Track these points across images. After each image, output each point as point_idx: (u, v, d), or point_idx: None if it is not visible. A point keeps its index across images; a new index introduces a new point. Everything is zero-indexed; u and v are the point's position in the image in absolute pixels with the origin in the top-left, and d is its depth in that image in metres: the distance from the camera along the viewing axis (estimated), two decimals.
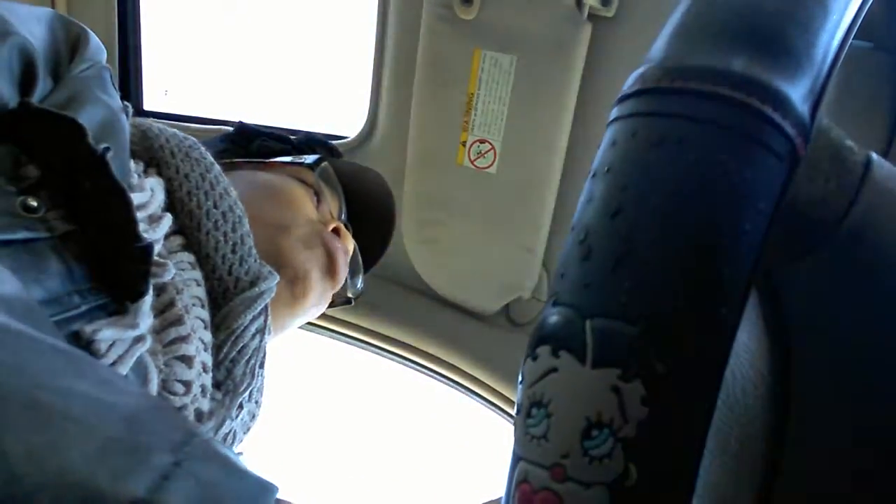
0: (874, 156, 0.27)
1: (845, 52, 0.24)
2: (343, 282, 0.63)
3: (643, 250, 0.22)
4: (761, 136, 0.22)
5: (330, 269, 0.60)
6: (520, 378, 0.25)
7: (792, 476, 0.32)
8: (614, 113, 0.25)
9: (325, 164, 0.68)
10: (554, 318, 0.23)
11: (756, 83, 0.22)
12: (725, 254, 0.21)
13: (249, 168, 0.65)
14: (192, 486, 0.24)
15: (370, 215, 0.75)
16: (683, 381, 0.21)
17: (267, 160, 0.67)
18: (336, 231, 0.64)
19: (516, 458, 0.24)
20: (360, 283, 0.74)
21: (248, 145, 0.72)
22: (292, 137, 0.75)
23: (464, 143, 0.94)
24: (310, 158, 0.67)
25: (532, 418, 0.23)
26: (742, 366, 0.32)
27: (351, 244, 0.66)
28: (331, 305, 0.69)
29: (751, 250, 0.22)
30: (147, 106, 1.28)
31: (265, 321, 0.52)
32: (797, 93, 0.22)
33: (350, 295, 0.74)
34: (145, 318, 0.38)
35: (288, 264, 0.56)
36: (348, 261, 0.65)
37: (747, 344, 0.31)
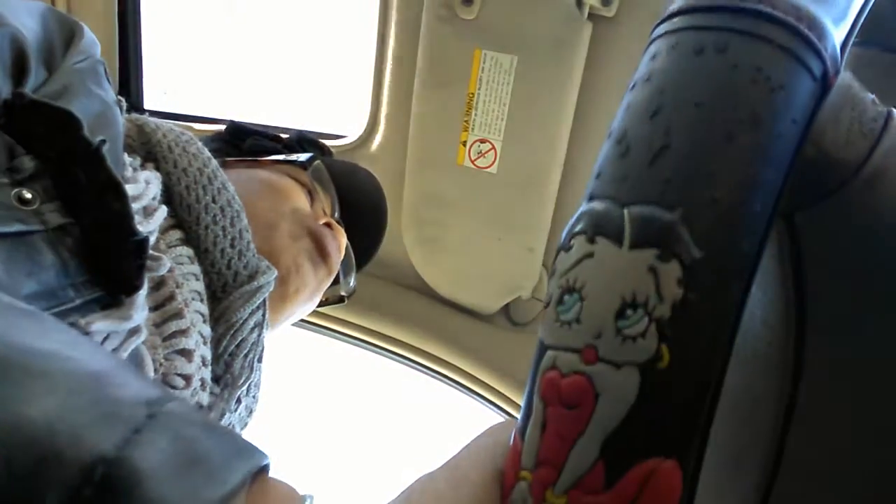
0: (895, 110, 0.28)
1: (871, 4, 0.25)
2: (337, 266, 0.63)
3: (682, 144, 0.22)
4: (799, 53, 0.22)
5: (321, 255, 0.60)
6: (551, 272, 0.25)
7: (805, 430, 0.32)
8: (654, 34, 0.25)
9: (317, 162, 0.68)
10: (589, 210, 0.24)
11: (797, 5, 0.23)
12: (762, 153, 0.22)
13: (242, 166, 0.65)
14: (167, 441, 0.21)
15: (362, 214, 0.75)
16: (719, 266, 0.21)
17: (260, 158, 0.67)
18: (328, 226, 0.64)
19: (543, 349, 0.24)
20: (352, 282, 0.74)
21: (240, 144, 0.72)
22: (284, 136, 0.75)
23: (464, 143, 0.94)
24: (303, 157, 0.67)
25: (563, 304, 0.23)
26: (755, 325, 0.32)
27: (343, 239, 0.66)
28: (323, 304, 0.69)
29: (784, 157, 0.22)
30: (148, 105, 1.28)
31: (263, 315, 0.52)
32: (832, 24, 0.23)
33: (343, 293, 0.74)
34: (140, 310, 0.38)
35: (280, 259, 0.56)
36: (341, 252, 0.65)
37: (761, 299, 0.32)
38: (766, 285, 0.31)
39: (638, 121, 0.24)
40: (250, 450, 0.24)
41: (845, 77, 0.26)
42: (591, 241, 0.23)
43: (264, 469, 0.24)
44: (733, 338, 0.22)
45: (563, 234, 0.25)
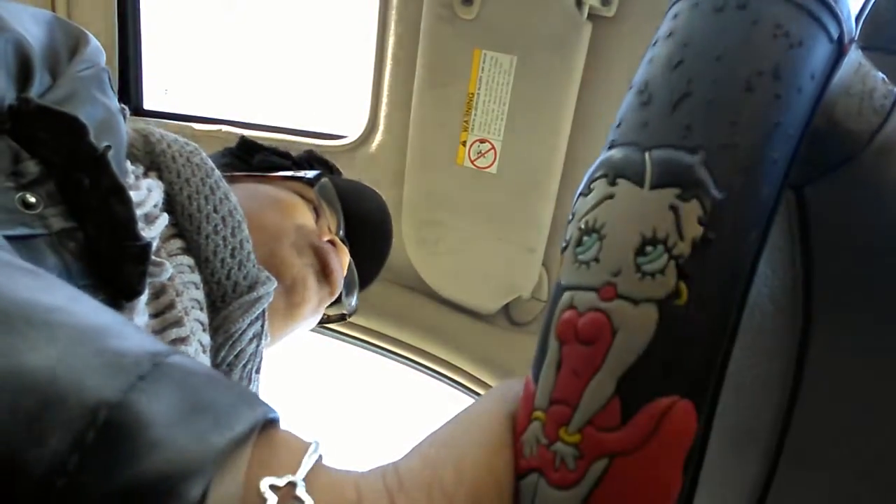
0: None
1: None
2: (340, 287, 0.63)
3: (703, 92, 0.22)
4: (817, 13, 0.23)
5: (324, 273, 0.60)
6: (569, 216, 0.25)
7: (810, 411, 0.32)
8: None
9: (324, 179, 0.68)
10: (609, 157, 0.24)
11: None
12: (782, 104, 0.22)
13: (250, 181, 0.65)
14: (172, 388, 0.21)
15: (367, 233, 0.75)
16: (738, 210, 0.21)
17: (268, 174, 0.68)
18: (332, 244, 0.64)
19: (560, 290, 0.24)
20: (354, 301, 0.74)
21: (249, 159, 0.73)
22: (293, 154, 0.76)
23: (464, 143, 0.94)
24: (310, 174, 0.67)
25: (582, 245, 0.24)
26: (762, 302, 0.32)
27: (346, 258, 0.67)
28: (325, 322, 0.69)
29: (802, 111, 0.23)
30: (147, 105, 1.28)
31: (262, 326, 0.52)
32: None
33: (344, 311, 0.74)
34: (140, 315, 0.38)
35: (284, 272, 0.56)
36: (343, 270, 0.65)
37: (769, 277, 0.32)
38: (774, 263, 0.31)
39: (660, 72, 0.24)
40: (258, 401, 0.23)
41: (856, 54, 0.27)
42: (612, 183, 0.23)
43: (273, 422, 0.24)
44: (749, 284, 0.22)
45: (582, 183, 0.25)
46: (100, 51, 0.46)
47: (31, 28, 0.40)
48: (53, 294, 0.22)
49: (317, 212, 0.66)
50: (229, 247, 0.50)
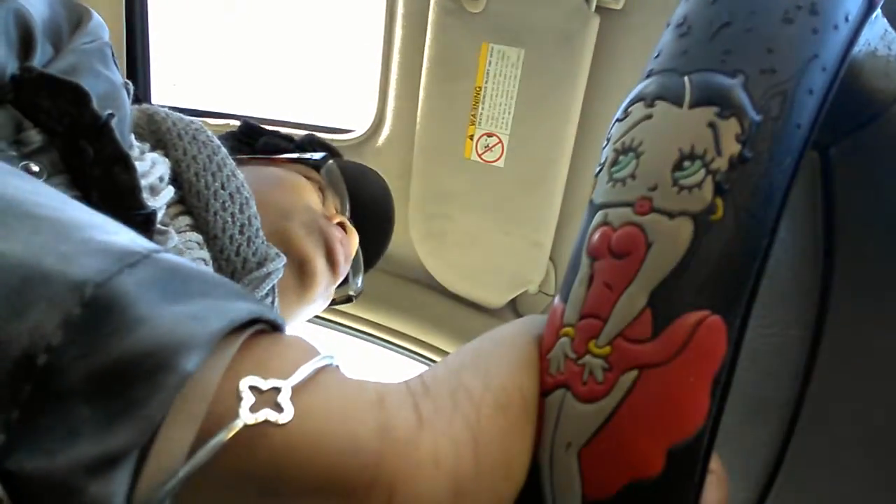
0: None
1: None
2: (345, 273, 0.63)
3: (743, 21, 0.23)
4: None
5: (329, 260, 0.60)
6: (604, 142, 0.25)
7: (827, 380, 0.32)
8: None
9: (330, 162, 0.68)
10: (648, 83, 0.24)
11: None
12: (819, 38, 0.22)
13: (255, 164, 0.65)
14: (164, 273, 0.19)
15: (371, 216, 0.76)
16: (775, 132, 0.22)
17: (273, 157, 0.68)
18: (341, 226, 0.64)
19: (593, 210, 0.24)
20: (360, 282, 0.75)
21: (253, 143, 0.73)
22: (296, 137, 0.76)
23: (471, 137, 0.94)
24: (316, 156, 0.67)
25: (617, 164, 0.24)
26: (781, 269, 0.32)
27: (355, 239, 0.67)
28: (332, 304, 0.69)
29: (836, 49, 0.23)
30: (155, 100, 1.29)
31: (273, 302, 0.52)
32: None
33: (351, 293, 0.74)
34: None
35: (293, 249, 0.56)
36: (351, 255, 0.65)
37: (787, 242, 0.32)
38: (794, 228, 0.32)
39: (699, 5, 0.24)
40: (259, 302, 0.22)
41: (883, 22, 0.27)
42: (650, 105, 0.24)
43: (278, 328, 0.23)
44: (782, 211, 0.22)
45: (619, 109, 0.25)
46: (102, 26, 0.46)
47: (34, 1, 0.40)
48: (44, 194, 0.21)
49: (322, 194, 0.66)
50: (238, 223, 0.50)
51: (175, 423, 0.18)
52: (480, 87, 0.91)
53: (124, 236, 0.21)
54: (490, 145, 0.93)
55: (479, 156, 0.95)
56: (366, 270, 0.77)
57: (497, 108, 0.91)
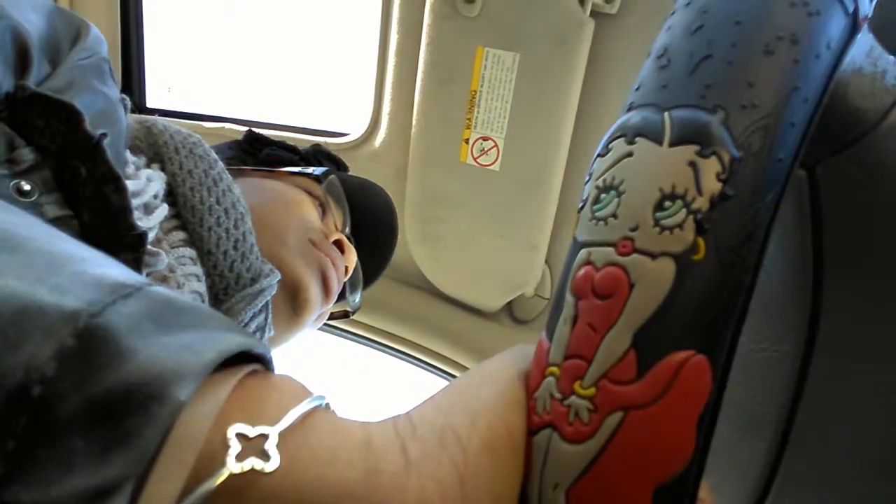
0: None
1: None
2: (334, 299, 0.63)
3: (723, 54, 0.23)
4: None
5: (323, 286, 0.59)
6: (587, 177, 0.25)
7: (818, 390, 0.32)
8: None
9: (332, 176, 0.68)
10: (629, 118, 0.24)
11: None
12: (800, 69, 0.22)
13: (257, 175, 0.65)
14: (157, 305, 0.19)
15: (373, 232, 0.75)
16: (756, 169, 0.22)
17: (275, 169, 0.67)
18: (339, 243, 0.63)
19: (577, 248, 0.24)
20: (358, 298, 0.74)
21: (256, 154, 0.72)
22: (301, 149, 0.75)
23: (467, 141, 0.94)
24: (318, 170, 0.66)
25: (600, 203, 0.24)
26: (771, 285, 0.32)
27: (353, 258, 0.66)
28: (329, 318, 0.69)
29: (819, 78, 0.23)
30: (150, 103, 1.29)
31: (266, 318, 0.52)
32: None
33: (348, 309, 0.73)
34: None
35: (287, 274, 0.55)
36: (344, 277, 0.64)
37: (777, 258, 0.32)
38: (783, 244, 0.32)
39: (679, 37, 0.24)
40: (249, 335, 0.22)
41: (868, 37, 0.27)
42: (631, 142, 0.24)
43: (268, 366, 0.23)
44: (765, 248, 0.22)
45: (600, 144, 0.25)
46: (101, 40, 0.45)
47: (31, 16, 0.40)
48: (36, 228, 0.21)
49: (323, 209, 0.65)
50: (232, 239, 0.50)
51: (165, 469, 0.18)
52: (476, 91, 0.91)
53: (117, 270, 0.21)
54: (486, 149, 0.94)
55: (475, 159, 0.95)
56: (365, 287, 0.76)
57: (492, 111, 0.91)
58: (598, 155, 0.25)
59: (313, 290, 0.57)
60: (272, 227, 0.57)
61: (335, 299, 0.62)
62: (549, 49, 0.85)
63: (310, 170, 0.66)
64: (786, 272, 0.32)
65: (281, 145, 0.73)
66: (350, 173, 0.79)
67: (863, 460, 0.32)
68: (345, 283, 0.68)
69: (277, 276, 0.52)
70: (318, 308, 0.60)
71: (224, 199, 0.50)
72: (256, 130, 0.76)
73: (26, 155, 0.35)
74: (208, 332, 0.20)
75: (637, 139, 0.23)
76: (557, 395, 0.23)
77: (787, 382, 0.32)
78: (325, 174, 0.66)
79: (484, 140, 0.93)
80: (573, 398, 0.22)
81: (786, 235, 0.31)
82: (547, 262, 1.01)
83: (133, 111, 0.52)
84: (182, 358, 0.18)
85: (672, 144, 0.22)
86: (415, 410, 0.25)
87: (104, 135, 0.37)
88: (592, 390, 0.22)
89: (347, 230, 0.70)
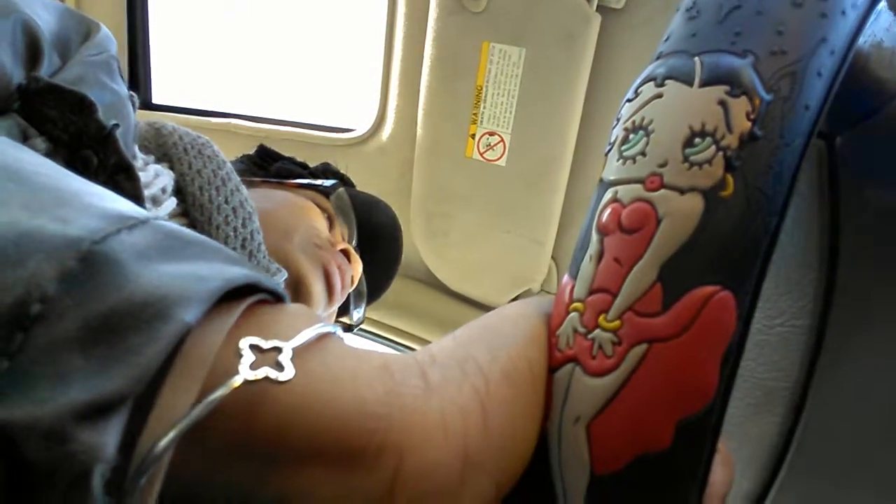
0: None
1: None
2: (342, 299, 0.63)
3: (753, 4, 0.23)
4: None
5: (326, 283, 0.60)
6: (614, 122, 0.25)
7: (832, 368, 0.32)
8: None
9: (340, 190, 0.69)
10: (658, 64, 0.24)
11: None
12: (827, 22, 0.23)
13: (267, 186, 0.66)
14: (163, 236, 0.19)
15: (378, 247, 0.76)
16: (785, 112, 0.22)
17: (284, 181, 0.68)
18: (345, 253, 0.64)
19: (603, 188, 0.24)
20: (362, 312, 0.74)
21: (267, 167, 0.73)
22: (310, 165, 0.76)
23: (473, 136, 0.94)
24: (327, 183, 0.67)
25: (628, 143, 0.24)
26: (786, 258, 0.32)
27: (358, 267, 0.66)
28: None
29: (844, 34, 0.23)
30: (156, 99, 1.29)
31: None
32: None
33: (350, 322, 0.73)
34: None
35: (291, 269, 0.56)
36: (349, 284, 0.64)
37: (793, 231, 0.32)
38: (800, 217, 0.32)
39: None
40: (257, 269, 0.21)
41: (889, 15, 0.28)
42: (661, 84, 0.24)
43: (281, 298, 0.23)
44: (791, 192, 0.22)
45: (629, 90, 0.25)
46: (110, 39, 0.46)
47: (42, 13, 0.40)
48: (44, 165, 0.21)
49: (331, 221, 0.66)
50: (240, 237, 0.50)
51: (175, 385, 0.18)
52: (482, 87, 0.91)
53: (124, 204, 0.21)
54: (492, 144, 0.94)
55: (481, 155, 0.95)
56: (370, 302, 0.76)
57: (498, 107, 0.91)
58: (627, 100, 0.25)
59: (316, 285, 0.58)
60: (280, 228, 0.57)
61: (339, 302, 0.63)
62: (555, 44, 0.85)
63: (319, 182, 0.67)
64: (801, 247, 0.32)
65: (291, 160, 0.75)
66: (354, 169, 0.80)
67: (876, 435, 0.32)
68: (349, 295, 0.68)
69: (284, 274, 0.53)
70: (321, 306, 0.60)
71: (232, 198, 0.51)
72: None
73: (39, 145, 0.35)
74: (215, 264, 0.20)
75: (667, 81, 0.24)
76: (581, 330, 0.23)
77: (801, 358, 0.32)
78: (334, 187, 0.67)
79: (490, 135, 0.93)
80: (597, 331, 0.22)
81: (802, 209, 0.31)
82: (553, 257, 1.01)
83: (140, 107, 0.53)
84: (188, 283, 0.18)
85: (702, 85, 0.23)
86: (434, 345, 0.25)
87: (116, 125, 0.37)
88: (617, 322, 0.22)
89: (354, 243, 0.71)
